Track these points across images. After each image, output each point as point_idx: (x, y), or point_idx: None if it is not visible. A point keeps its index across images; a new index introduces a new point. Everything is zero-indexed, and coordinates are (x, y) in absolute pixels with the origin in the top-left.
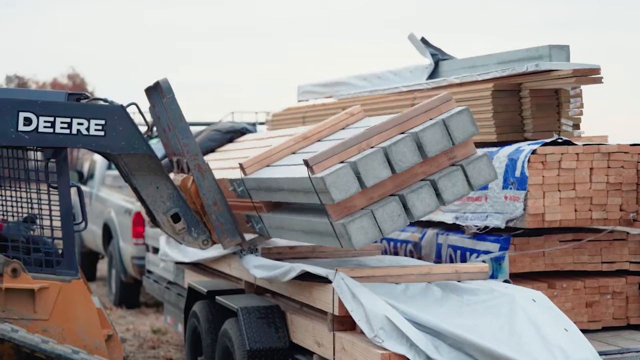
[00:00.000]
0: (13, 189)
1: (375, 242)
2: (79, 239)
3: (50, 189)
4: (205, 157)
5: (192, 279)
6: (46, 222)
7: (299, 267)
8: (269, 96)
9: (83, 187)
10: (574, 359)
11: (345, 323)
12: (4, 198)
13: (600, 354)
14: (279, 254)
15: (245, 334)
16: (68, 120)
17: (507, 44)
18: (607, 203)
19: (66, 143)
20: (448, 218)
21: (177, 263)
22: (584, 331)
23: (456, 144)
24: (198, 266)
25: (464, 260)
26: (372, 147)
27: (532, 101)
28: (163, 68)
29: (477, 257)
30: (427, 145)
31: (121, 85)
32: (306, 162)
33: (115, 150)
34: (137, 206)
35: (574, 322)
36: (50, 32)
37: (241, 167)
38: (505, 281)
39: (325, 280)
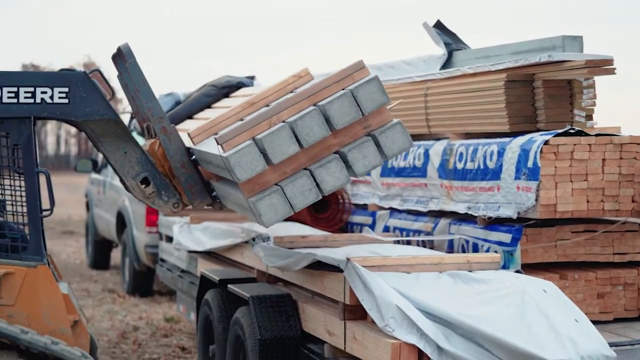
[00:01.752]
0: None
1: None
2: (93, 227)
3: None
4: (199, 114)
5: (205, 268)
6: (14, 208)
7: (310, 256)
8: None
9: (97, 176)
10: (584, 350)
11: (356, 312)
12: None
13: (611, 345)
14: (291, 243)
15: (256, 322)
16: (32, 89)
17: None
18: (619, 194)
19: (31, 112)
20: (460, 208)
21: (190, 251)
22: (595, 322)
23: (366, 114)
24: (211, 255)
25: (475, 250)
26: (283, 122)
27: (545, 92)
28: (178, 58)
29: (489, 247)
30: (335, 117)
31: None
32: (216, 140)
33: (80, 117)
34: None
35: (585, 313)
36: (65, 20)
37: (189, 135)
38: (516, 271)
39: (337, 269)
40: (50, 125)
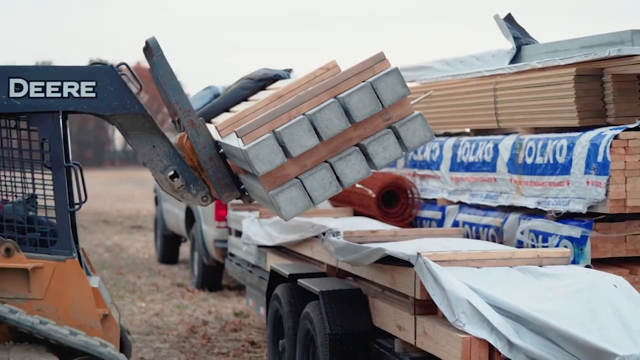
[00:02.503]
0: (12, 169)
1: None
2: (162, 222)
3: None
4: (236, 107)
5: (275, 262)
6: (43, 202)
7: (381, 251)
8: None
9: None
10: None
11: (426, 307)
12: (4, 179)
13: None
14: (361, 238)
15: (326, 317)
16: (59, 83)
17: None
18: None
19: (58, 107)
20: (530, 203)
21: (260, 246)
22: None
23: (385, 106)
24: (280, 249)
25: (545, 245)
26: (302, 115)
27: (615, 86)
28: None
29: (559, 242)
30: (354, 110)
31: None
32: (236, 133)
33: (107, 111)
34: None
35: None
36: (133, 16)
37: (216, 129)
38: (586, 266)
39: (407, 264)
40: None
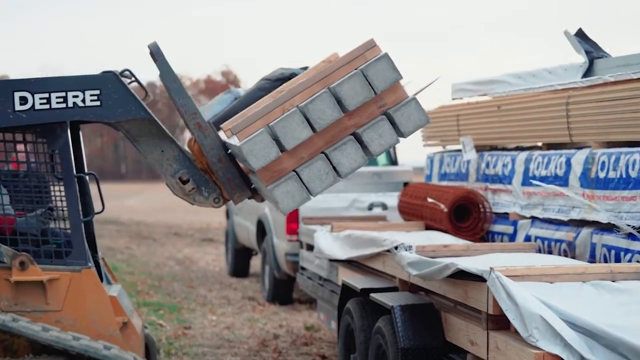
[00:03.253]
0: (25, 182)
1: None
2: (233, 235)
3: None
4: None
5: (346, 276)
6: (57, 214)
7: (453, 266)
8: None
9: None
10: None
11: (499, 322)
12: (17, 192)
13: None
14: (433, 252)
15: (399, 331)
16: (63, 94)
17: None
18: None
19: (64, 117)
20: (602, 217)
21: (331, 260)
22: None
23: (378, 93)
24: (352, 263)
25: (618, 260)
26: (295, 107)
27: None
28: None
29: (632, 257)
30: (347, 98)
31: None
32: (231, 130)
33: (113, 118)
34: None
35: None
36: (203, 29)
37: (222, 129)
38: None
39: (480, 279)
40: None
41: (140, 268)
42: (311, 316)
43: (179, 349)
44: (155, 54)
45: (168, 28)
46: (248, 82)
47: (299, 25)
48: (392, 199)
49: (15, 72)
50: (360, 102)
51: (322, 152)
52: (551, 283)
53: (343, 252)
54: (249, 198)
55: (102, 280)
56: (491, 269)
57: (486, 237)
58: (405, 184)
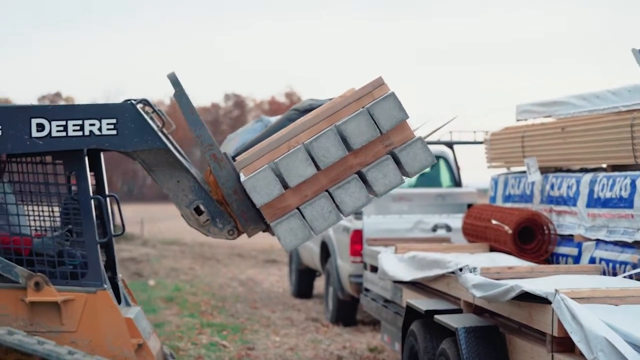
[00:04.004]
0: (41, 203)
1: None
2: (297, 256)
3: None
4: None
5: (410, 298)
6: (74, 235)
7: (518, 288)
8: (489, 115)
9: None
10: None
11: (564, 344)
12: (33, 213)
13: None
14: (498, 274)
15: (463, 354)
16: (80, 122)
17: None
18: None
19: (80, 145)
20: None
21: (395, 282)
22: None
23: (384, 132)
24: (416, 285)
25: None
26: (300, 144)
27: None
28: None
29: None
30: (352, 137)
31: None
32: (237, 165)
33: (129, 147)
34: (355, 224)
35: None
36: (266, 50)
37: (236, 161)
38: None
39: (545, 301)
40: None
41: (204, 289)
42: (375, 338)
43: None
44: (173, 84)
45: (233, 45)
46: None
47: (365, 45)
48: (456, 221)
49: (83, 98)
50: (365, 141)
51: (326, 190)
52: (616, 305)
53: (407, 274)
54: (263, 231)
55: (120, 302)
56: (556, 291)
57: (551, 259)
58: (469, 205)
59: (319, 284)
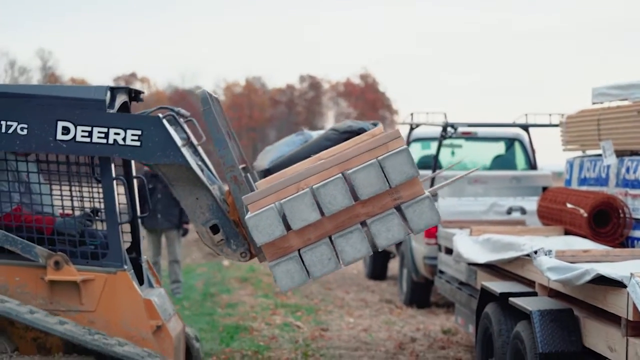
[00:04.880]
0: (65, 184)
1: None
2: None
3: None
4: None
5: (485, 280)
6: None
7: (593, 271)
8: (566, 98)
9: None
10: None
11: (639, 328)
12: (59, 193)
13: None
14: (573, 257)
15: (537, 336)
16: (105, 130)
17: None
18: None
19: (103, 152)
20: None
21: (470, 264)
22: None
23: (392, 186)
24: (491, 267)
25: None
26: (310, 187)
27: None
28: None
29: None
30: (360, 187)
31: (416, 87)
32: (243, 200)
33: (151, 160)
34: None
35: None
36: (341, 32)
37: (256, 186)
38: None
39: (620, 285)
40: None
41: None
42: (449, 320)
43: (316, 351)
44: (202, 102)
45: (313, 26)
46: (387, 86)
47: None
48: (530, 204)
49: (158, 79)
50: (373, 192)
51: (329, 237)
52: None
53: (482, 256)
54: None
55: (142, 283)
56: (631, 274)
57: (626, 242)
58: (544, 188)
59: (393, 266)
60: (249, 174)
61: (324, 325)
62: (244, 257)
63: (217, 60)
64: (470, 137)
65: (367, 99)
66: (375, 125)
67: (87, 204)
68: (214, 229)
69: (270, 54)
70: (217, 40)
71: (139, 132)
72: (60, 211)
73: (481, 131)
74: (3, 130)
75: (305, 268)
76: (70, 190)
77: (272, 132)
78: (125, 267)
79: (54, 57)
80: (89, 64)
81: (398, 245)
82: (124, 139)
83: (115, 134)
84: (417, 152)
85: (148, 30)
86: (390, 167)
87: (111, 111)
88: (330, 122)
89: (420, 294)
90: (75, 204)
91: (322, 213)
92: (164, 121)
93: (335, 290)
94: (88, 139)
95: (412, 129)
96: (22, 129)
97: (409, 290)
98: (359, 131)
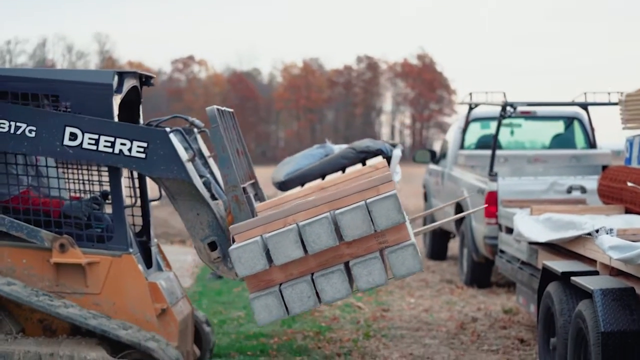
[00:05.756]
0: (75, 168)
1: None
2: (431, 218)
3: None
4: (331, 176)
5: (546, 259)
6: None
7: None
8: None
9: (435, 167)
10: None
11: None
12: (68, 177)
13: None
14: (634, 236)
15: (600, 315)
16: (112, 139)
17: None
18: None
19: (107, 161)
20: None
21: (531, 243)
22: None
23: (378, 230)
24: (552, 247)
25: None
26: (296, 224)
27: None
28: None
29: None
30: (346, 229)
31: (474, 66)
32: (229, 230)
33: (154, 173)
34: (490, 186)
35: None
36: (396, 12)
37: (256, 208)
38: None
39: None
40: (385, 116)
41: None
42: (509, 299)
43: (377, 331)
44: (210, 119)
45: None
46: (444, 66)
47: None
48: (591, 182)
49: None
50: (358, 235)
51: (311, 274)
52: None
53: (543, 235)
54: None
55: (151, 267)
56: None
57: None
58: (604, 167)
59: (453, 246)
60: (258, 190)
61: (385, 305)
62: (238, 276)
63: (274, 42)
64: (529, 116)
65: (425, 79)
66: (394, 147)
67: (96, 188)
68: (212, 246)
69: (328, 35)
70: (274, 22)
71: (144, 145)
72: (71, 194)
73: (540, 110)
74: (12, 131)
75: (285, 304)
76: (79, 174)
77: (330, 113)
78: (131, 250)
79: (111, 41)
80: (146, 48)
81: (458, 225)
82: (129, 150)
83: (122, 144)
84: (476, 131)
85: (206, 12)
86: (377, 212)
87: (118, 96)
88: (388, 103)
89: (481, 274)
90: (84, 187)
91: (306, 251)
92: (171, 135)
93: None
94: (94, 147)
95: (471, 108)
96: (30, 131)
97: (469, 270)
98: (377, 152)
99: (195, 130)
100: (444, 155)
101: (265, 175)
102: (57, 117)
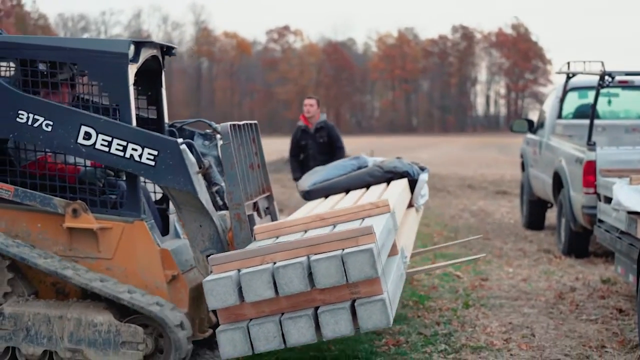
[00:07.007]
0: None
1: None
2: (528, 187)
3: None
4: (356, 191)
5: None
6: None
7: None
8: None
9: (533, 136)
10: None
11: None
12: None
13: None
14: None
15: None
16: (124, 143)
17: None
18: None
19: (117, 165)
20: None
21: (630, 213)
22: None
23: (350, 282)
24: None
25: None
26: (272, 263)
27: None
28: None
29: None
30: (319, 276)
31: (568, 39)
32: (208, 261)
33: (161, 182)
34: (588, 155)
35: None
36: None
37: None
38: None
39: None
40: (480, 86)
41: (436, 220)
42: (607, 269)
43: (476, 300)
44: (222, 136)
45: None
46: (540, 36)
47: None
48: None
49: (312, 31)
50: (330, 284)
51: (280, 314)
52: None
53: None
54: None
55: (167, 234)
56: None
57: None
58: None
59: (551, 215)
60: (271, 205)
61: (484, 275)
62: (209, 309)
63: (369, 12)
64: (627, 85)
65: (520, 49)
66: (422, 170)
67: None
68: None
69: (423, 5)
70: None
71: (155, 153)
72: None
73: (638, 80)
74: (29, 122)
75: (250, 340)
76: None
77: (425, 83)
78: (143, 216)
79: (207, 12)
80: (241, 18)
81: (556, 194)
82: (140, 156)
83: (133, 149)
84: (574, 101)
85: None
86: (351, 264)
87: (134, 65)
88: (483, 73)
89: (579, 244)
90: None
91: (276, 292)
92: (182, 147)
93: (494, 240)
94: (107, 149)
95: (568, 78)
96: (47, 125)
97: (567, 239)
98: (403, 174)
99: (218, 136)
100: (541, 124)
101: (359, 144)
102: (74, 115)
